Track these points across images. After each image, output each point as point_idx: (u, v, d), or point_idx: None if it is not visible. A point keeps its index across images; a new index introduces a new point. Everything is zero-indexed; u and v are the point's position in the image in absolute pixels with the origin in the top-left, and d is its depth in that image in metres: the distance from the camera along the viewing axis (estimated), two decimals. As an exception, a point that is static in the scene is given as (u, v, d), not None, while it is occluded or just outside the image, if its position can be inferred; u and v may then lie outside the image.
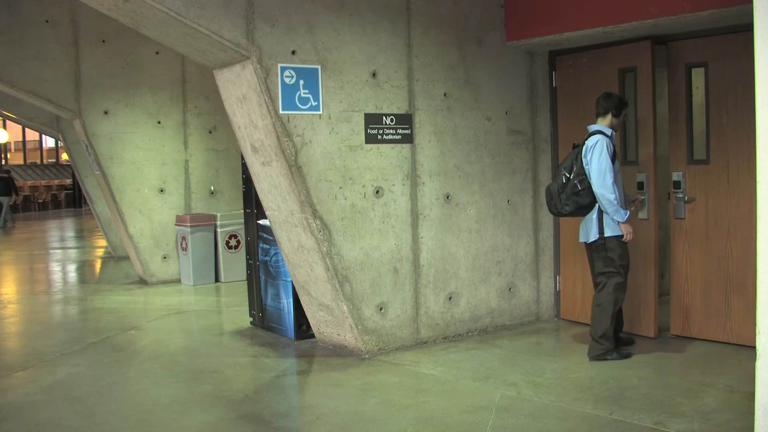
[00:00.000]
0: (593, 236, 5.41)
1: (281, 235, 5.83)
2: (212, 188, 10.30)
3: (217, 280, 9.69)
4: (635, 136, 6.03)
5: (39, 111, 13.09)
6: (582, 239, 5.57)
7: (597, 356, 5.37)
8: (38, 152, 36.26)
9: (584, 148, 5.32)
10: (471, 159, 6.21)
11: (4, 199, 22.05)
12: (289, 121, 5.22)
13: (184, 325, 7.47)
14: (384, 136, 5.70)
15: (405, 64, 5.79)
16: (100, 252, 14.18)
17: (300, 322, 6.31)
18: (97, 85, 9.37)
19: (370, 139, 5.62)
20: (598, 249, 5.43)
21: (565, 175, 5.35)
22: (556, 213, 5.50)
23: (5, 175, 22.62)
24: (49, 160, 35.87)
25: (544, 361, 5.52)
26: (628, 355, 5.43)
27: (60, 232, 19.86)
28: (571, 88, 6.52)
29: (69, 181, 32.13)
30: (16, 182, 23.89)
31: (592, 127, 5.44)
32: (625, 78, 6.10)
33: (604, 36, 5.87)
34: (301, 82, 5.26)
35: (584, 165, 5.28)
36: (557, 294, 6.76)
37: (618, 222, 5.33)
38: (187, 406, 4.77)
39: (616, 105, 5.44)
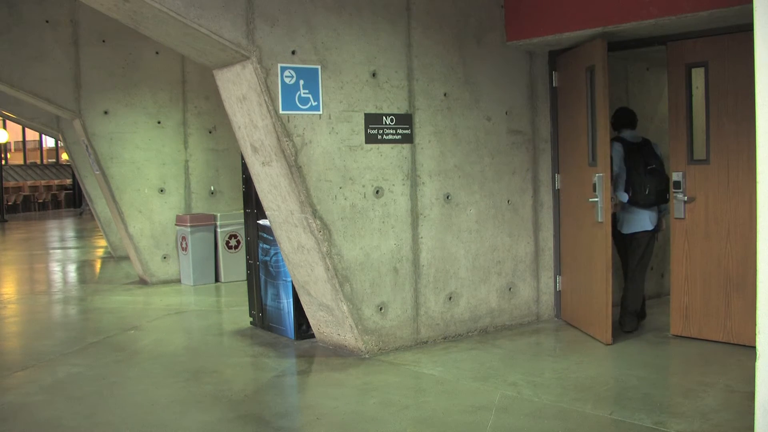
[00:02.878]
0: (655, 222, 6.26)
1: (281, 235, 5.83)
2: (212, 188, 10.30)
3: (217, 280, 9.70)
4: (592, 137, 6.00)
5: (39, 111, 13.09)
6: (648, 226, 6.19)
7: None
8: (38, 152, 36.27)
9: (654, 146, 6.21)
10: (471, 159, 6.21)
11: None
12: (289, 121, 5.21)
13: (184, 325, 7.47)
14: (384, 136, 5.70)
15: (405, 64, 5.79)
16: (100, 252, 14.18)
17: (300, 322, 6.31)
18: (97, 85, 9.36)
19: (370, 139, 5.62)
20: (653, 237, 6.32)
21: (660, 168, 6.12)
22: (663, 200, 6.10)
23: None
24: (49, 160, 35.87)
25: (544, 361, 5.52)
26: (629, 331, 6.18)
27: (60, 232, 19.87)
28: (571, 88, 6.51)
29: (69, 181, 32.14)
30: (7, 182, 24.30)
31: (637, 134, 6.32)
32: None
33: (604, 36, 5.87)
34: (301, 82, 5.26)
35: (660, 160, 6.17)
36: (557, 294, 6.76)
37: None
38: (187, 406, 4.77)
39: None
